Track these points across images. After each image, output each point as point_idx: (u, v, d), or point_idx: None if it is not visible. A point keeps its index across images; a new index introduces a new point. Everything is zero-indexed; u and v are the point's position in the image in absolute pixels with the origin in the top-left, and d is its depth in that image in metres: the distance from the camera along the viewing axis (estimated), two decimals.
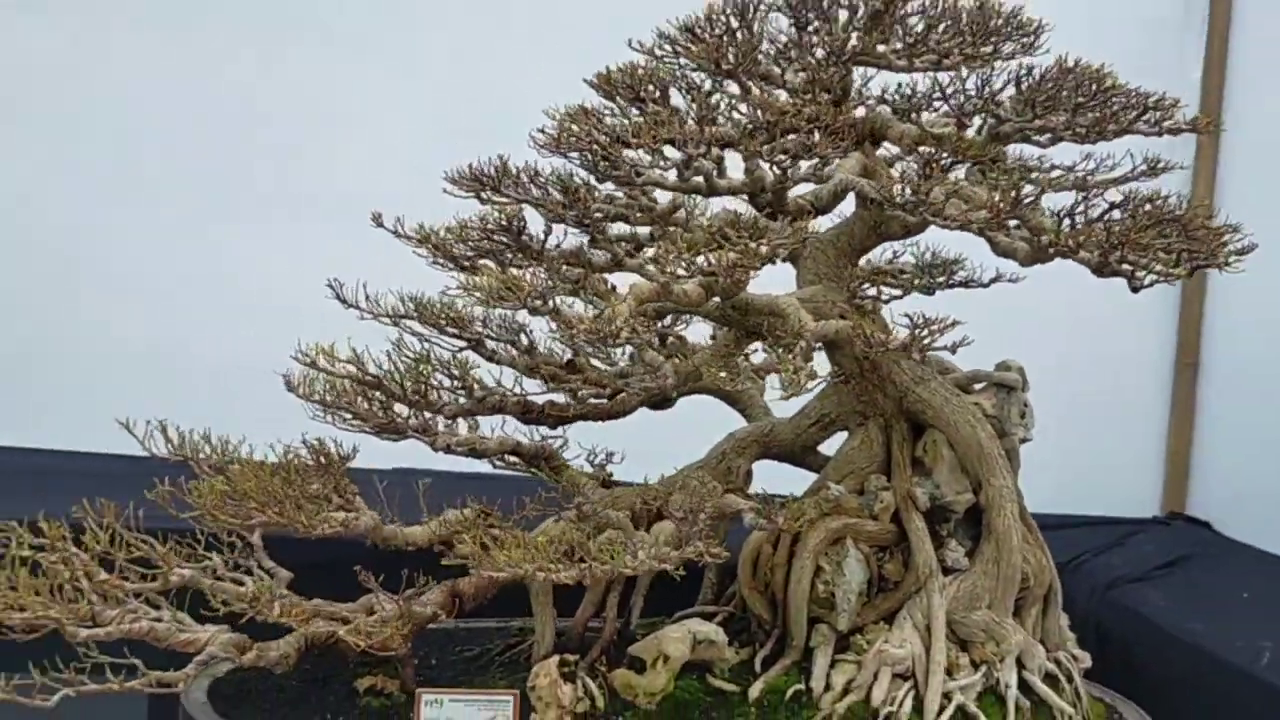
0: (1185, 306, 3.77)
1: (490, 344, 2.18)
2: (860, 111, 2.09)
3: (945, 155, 1.94)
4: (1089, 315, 3.38)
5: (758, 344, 2.10)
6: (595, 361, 2.23)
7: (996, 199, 1.72)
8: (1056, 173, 2.15)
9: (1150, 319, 3.75)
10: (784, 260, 2.05)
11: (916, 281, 2.28)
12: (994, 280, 2.35)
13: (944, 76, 1.89)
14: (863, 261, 2.27)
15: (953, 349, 1.93)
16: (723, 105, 1.94)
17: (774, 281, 2.19)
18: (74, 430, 3.20)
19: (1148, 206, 1.89)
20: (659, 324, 2.26)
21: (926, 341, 1.84)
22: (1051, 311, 3.34)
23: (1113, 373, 3.78)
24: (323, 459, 1.95)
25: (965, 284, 2.36)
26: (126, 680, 1.75)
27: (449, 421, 2.15)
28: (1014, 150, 2.18)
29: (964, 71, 1.89)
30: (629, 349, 2.23)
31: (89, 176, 3.37)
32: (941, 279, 2.28)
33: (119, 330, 3.35)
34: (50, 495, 1.99)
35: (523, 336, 2.20)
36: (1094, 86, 1.81)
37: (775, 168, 1.79)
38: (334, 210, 3.19)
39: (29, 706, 1.64)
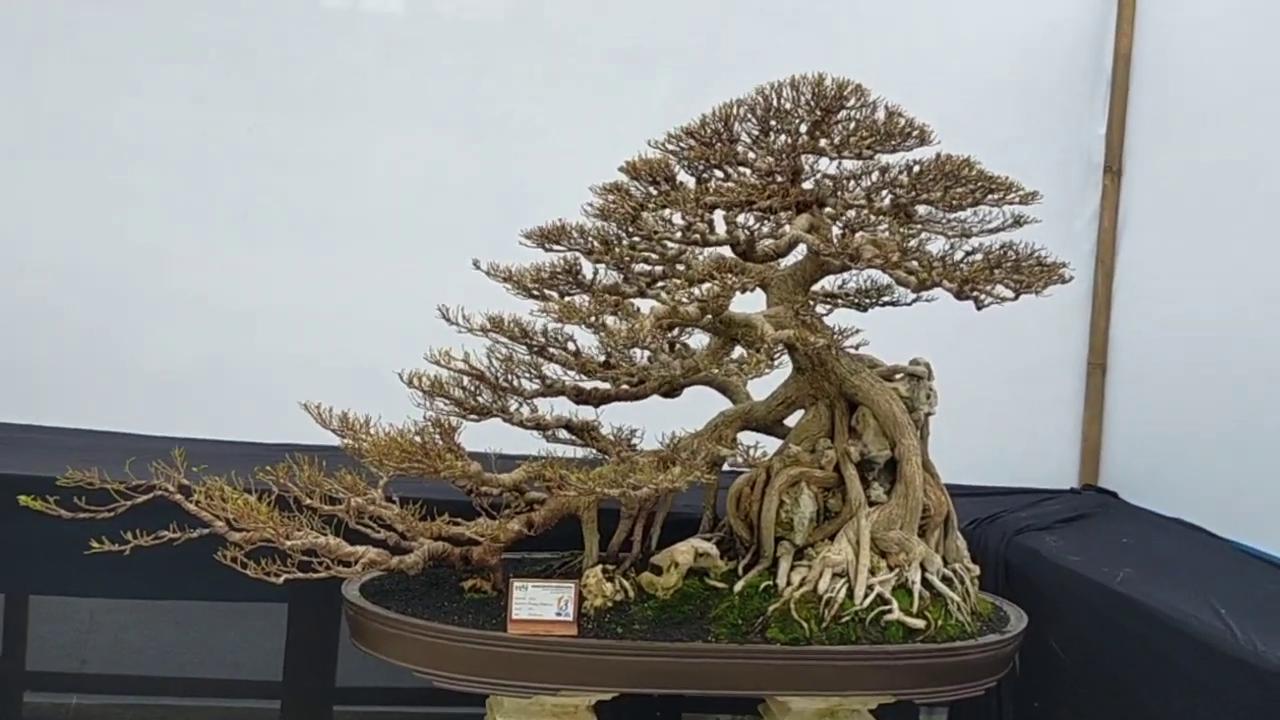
0: (1095, 317, 4.50)
1: (549, 349, 3.06)
2: (809, 185, 2.96)
3: (865, 216, 2.82)
4: (1018, 327, 3.71)
5: (738, 347, 2.97)
6: (622, 362, 3.10)
7: (892, 247, 2.59)
8: (952, 225, 3.03)
9: (1066, 329, 4.50)
10: (756, 289, 2.93)
11: (854, 302, 3.15)
12: (915, 300, 3.16)
13: (857, 165, 2.78)
14: (816, 287, 3.14)
15: (857, 347, 2.82)
16: (712, 184, 2.83)
17: (752, 303, 3.06)
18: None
19: (1003, 252, 2.78)
20: (669, 334, 3.13)
21: (841, 343, 2.72)
22: (990, 324, 3.97)
23: (1036, 373, 4.52)
24: (443, 429, 2.84)
25: (893, 303, 3.22)
26: (323, 571, 2.64)
27: (521, 403, 3.03)
28: (925, 209, 3.06)
29: (875, 160, 2.77)
30: (647, 352, 3.10)
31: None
32: (872, 300, 3.15)
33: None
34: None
35: (570, 344, 3.07)
36: (959, 173, 2.68)
37: (745, 230, 2.68)
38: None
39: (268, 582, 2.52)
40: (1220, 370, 3.97)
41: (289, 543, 2.63)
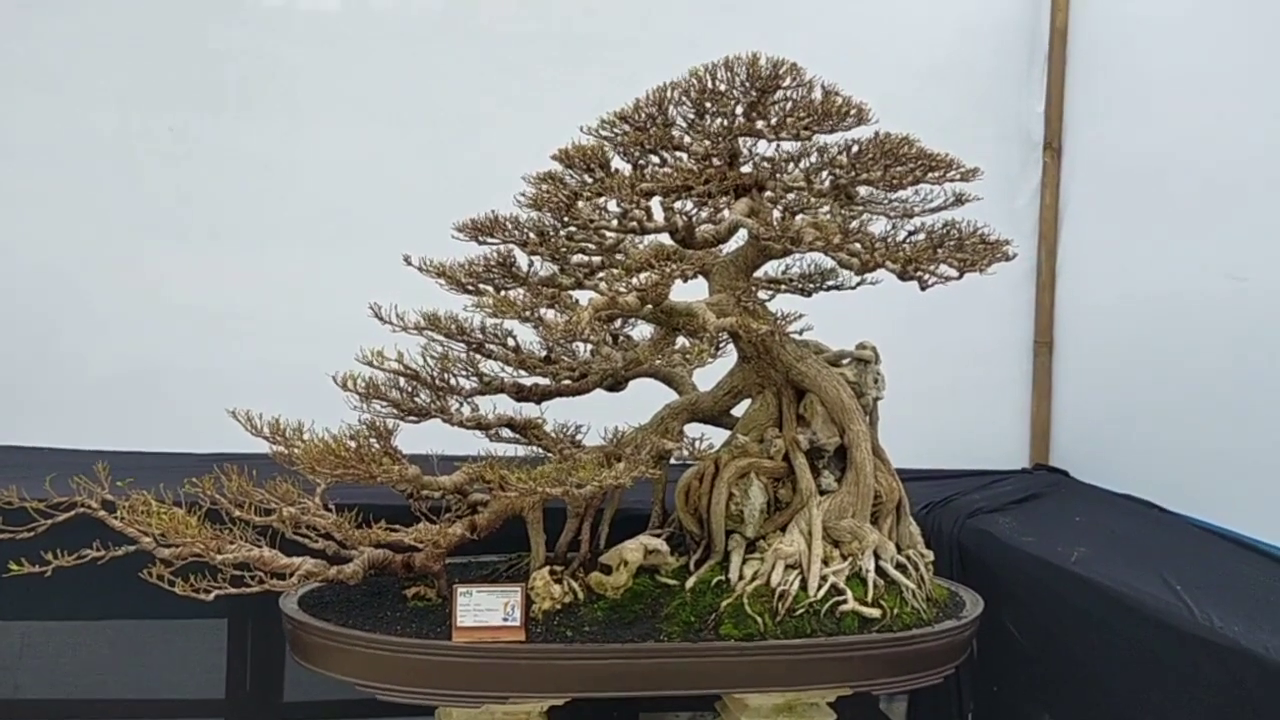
0: (1039, 296, 4.47)
1: (488, 346, 2.97)
2: (748, 168, 2.89)
3: (805, 199, 2.75)
4: (963, 308, 3.68)
5: (681, 337, 2.89)
6: (564, 357, 3.02)
7: (833, 229, 2.53)
8: (894, 205, 2.97)
9: (1012, 309, 4.47)
10: (697, 276, 2.86)
11: (798, 287, 3.09)
12: (859, 283, 3.12)
13: (795, 146, 2.71)
14: (759, 273, 3.07)
15: (801, 332, 2.76)
16: (649, 170, 2.75)
17: (694, 292, 2.99)
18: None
19: (946, 231, 2.73)
20: (611, 326, 3.04)
21: (785, 328, 2.65)
22: (935, 306, 3.87)
23: (983, 354, 4.47)
24: (378, 433, 2.73)
25: (837, 287, 3.17)
26: (256, 585, 2.53)
27: (461, 402, 2.93)
28: (866, 190, 3.00)
29: (813, 142, 2.71)
30: (588, 345, 3.01)
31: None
32: (816, 284, 3.09)
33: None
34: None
35: (510, 339, 2.98)
36: (899, 151, 2.62)
37: (684, 216, 2.60)
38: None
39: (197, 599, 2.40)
40: (1165, 345, 3.97)
41: (220, 557, 2.52)
